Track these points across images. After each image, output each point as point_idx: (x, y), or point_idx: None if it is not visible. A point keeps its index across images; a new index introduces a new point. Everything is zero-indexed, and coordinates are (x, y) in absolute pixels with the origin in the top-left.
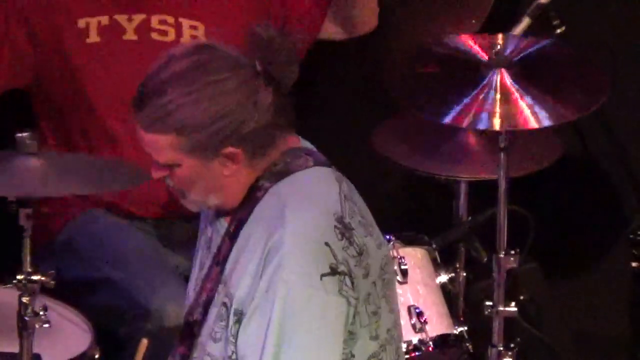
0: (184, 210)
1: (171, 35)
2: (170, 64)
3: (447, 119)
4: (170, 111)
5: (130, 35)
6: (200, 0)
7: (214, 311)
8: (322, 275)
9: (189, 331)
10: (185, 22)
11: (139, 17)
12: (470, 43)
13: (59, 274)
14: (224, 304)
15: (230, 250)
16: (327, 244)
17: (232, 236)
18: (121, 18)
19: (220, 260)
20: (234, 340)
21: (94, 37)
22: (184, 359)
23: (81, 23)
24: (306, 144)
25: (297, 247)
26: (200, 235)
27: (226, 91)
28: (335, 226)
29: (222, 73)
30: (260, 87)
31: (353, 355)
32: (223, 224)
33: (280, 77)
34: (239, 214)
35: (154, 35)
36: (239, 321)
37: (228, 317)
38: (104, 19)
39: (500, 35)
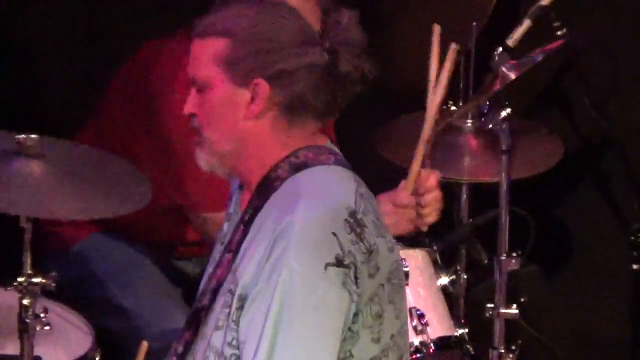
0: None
1: None
2: None
3: None
4: (223, 18)
5: None
6: None
7: (221, 299)
8: (327, 265)
9: (196, 317)
10: None
11: None
12: None
13: (68, 282)
14: (230, 291)
15: (242, 238)
16: (334, 234)
17: (246, 224)
18: None
19: (232, 248)
20: (235, 327)
21: None
22: (188, 345)
23: None
24: (332, 146)
25: (304, 234)
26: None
27: (280, 25)
28: (346, 219)
29: (284, 16)
30: (316, 49)
31: (352, 355)
32: (239, 212)
33: (341, 61)
34: (255, 202)
35: None
36: (241, 307)
37: (231, 303)
38: None
39: None
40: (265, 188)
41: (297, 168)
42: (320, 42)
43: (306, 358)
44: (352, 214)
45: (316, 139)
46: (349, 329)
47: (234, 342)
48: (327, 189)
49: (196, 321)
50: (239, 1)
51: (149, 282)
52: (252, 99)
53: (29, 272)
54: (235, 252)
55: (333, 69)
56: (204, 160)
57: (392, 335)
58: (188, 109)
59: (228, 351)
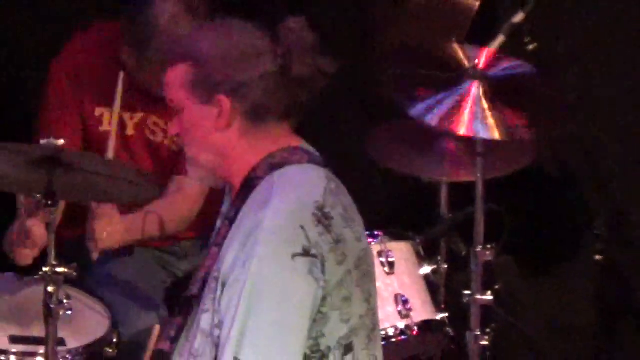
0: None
1: (159, 137)
2: None
3: (433, 121)
4: (186, 44)
5: (130, 130)
6: None
7: (208, 287)
8: (294, 255)
9: (187, 304)
10: None
11: (138, 116)
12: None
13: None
14: (215, 278)
15: (227, 232)
16: (302, 227)
17: (231, 220)
18: (126, 115)
19: (219, 241)
20: (219, 309)
21: (105, 126)
22: (180, 330)
23: (97, 112)
24: (307, 147)
25: (274, 227)
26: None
27: (234, 43)
28: (313, 213)
29: (238, 33)
30: (269, 57)
31: (324, 335)
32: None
33: (294, 64)
34: (238, 201)
35: (147, 133)
36: (222, 292)
37: (216, 289)
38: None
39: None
40: (247, 188)
41: (274, 168)
42: (273, 49)
43: (275, 338)
44: (320, 207)
45: (290, 141)
46: (319, 311)
47: (219, 324)
48: (298, 186)
49: (187, 308)
50: (199, 26)
51: (129, 282)
52: (219, 114)
53: (53, 262)
54: (221, 245)
55: (287, 73)
56: (193, 174)
57: (361, 316)
58: (173, 130)
59: (216, 332)
